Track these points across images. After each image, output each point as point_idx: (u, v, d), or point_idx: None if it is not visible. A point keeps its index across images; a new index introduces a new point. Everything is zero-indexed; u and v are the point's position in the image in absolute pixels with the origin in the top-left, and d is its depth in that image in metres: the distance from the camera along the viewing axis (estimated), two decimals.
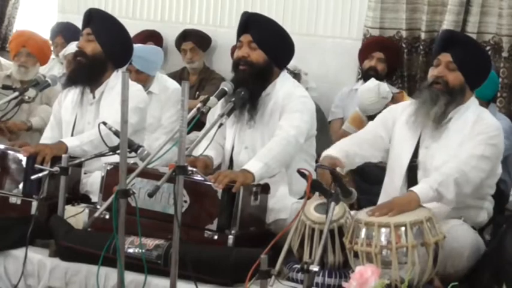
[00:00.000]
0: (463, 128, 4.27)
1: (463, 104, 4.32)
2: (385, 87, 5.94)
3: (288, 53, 4.73)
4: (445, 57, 4.30)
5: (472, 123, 4.26)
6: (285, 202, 4.47)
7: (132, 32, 7.32)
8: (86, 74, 4.98)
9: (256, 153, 4.46)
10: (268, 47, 4.59)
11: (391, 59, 6.49)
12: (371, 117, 5.10)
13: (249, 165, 4.32)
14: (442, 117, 4.27)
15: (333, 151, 4.31)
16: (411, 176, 4.31)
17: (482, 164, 4.16)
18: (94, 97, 5.03)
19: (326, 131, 6.26)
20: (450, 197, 4.04)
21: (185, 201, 4.10)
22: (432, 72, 4.34)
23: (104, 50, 4.97)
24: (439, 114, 4.26)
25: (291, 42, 4.71)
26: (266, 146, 4.48)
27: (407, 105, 4.50)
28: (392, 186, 4.38)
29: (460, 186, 4.06)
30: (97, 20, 5.03)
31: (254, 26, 4.61)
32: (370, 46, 6.54)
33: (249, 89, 4.53)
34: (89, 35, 4.98)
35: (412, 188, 4.03)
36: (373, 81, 6.03)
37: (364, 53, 6.55)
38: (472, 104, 4.36)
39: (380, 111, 4.79)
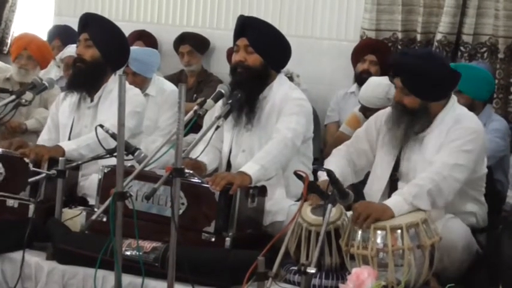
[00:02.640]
0: (440, 136, 4.23)
1: (438, 114, 4.26)
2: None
3: (284, 55, 4.74)
4: (398, 81, 4.25)
5: (448, 129, 4.22)
6: (282, 204, 4.48)
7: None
8: (87, 80, 4.98)
9: (254, 156, 4.48)
10: (265, 50, 4.60)
11: (384, 60, 6.45)
12: (368, 117, 5.08)
13: (246, 168, 4.33)
14: (408, 138, 4.24)
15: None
16: (392, 189, 4.27)
17: (455, 173, 4.10)
18: (92, 101, 5.03)
19: (319, 132, 6.26)
20: (426, 209, 4.00)
21: (182, 204, 4.11)
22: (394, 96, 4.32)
23: (102, 55, 4.97)
24: (404, 136, 4.24)
25: (287, 45, 4.72)
26: (263, 149, 4.49)
27: (389, 112, 4.49)
28: (371, 198, 4.34)
29: (434, 197, 4.03)
30: (93, 24, 5.02)
31: (250, 29, 4.63)
32: (361, 49, 6.52)
33: (246, 91, 4.54)
34: (86, 40, 4.97)
35: (385, 202, 4.00)
36: (387, 79, 6.00)
37: (357, 56, 6.53)
38: (450, 109, 4.29)
39: (377, 110, 4.77)
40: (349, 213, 4.05)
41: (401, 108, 4.26)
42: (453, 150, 4.14)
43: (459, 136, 4.17)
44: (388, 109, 4.46)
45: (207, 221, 4.15)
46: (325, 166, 4.33)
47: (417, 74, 4.22)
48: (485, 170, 4.38)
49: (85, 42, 4.98)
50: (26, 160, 4.57)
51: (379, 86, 5.77)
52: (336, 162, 4.39)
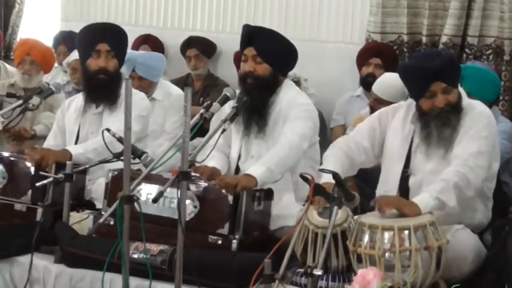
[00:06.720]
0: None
1: None
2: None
3: (291, 61, 4.79)
4: (439, 86, 4.22)
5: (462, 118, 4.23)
6: (290, 209, 4.50)
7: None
8: (110, 91, 5.01)
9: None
10: (273, 59, 4.63)
11: (389, 64, 6.41)
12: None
13: (251, 170, 4.36)
14: (454, 133, 4.22)
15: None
16: (403, 186, 4.28)
17: (479, 161, 4.11)
18: (98, 107, 5.05)
19: (326, 136, 6.26)
20: (452, 204, 4.00)
21: (195, 207, 4.14)
22: (433, 104, 4.23)
23: (120, 64, 5.04)
24: (452, 133, 4.21)
25: (294, 51, 4.75)
26: (269, 152, 4.52)
27: (397, 108, 4.47)
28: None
29: (461, 189, 4.02)
30: (113, 35, 5.04)
31: (257, 39, 4.65)
32: (366, 52, 6.51)
33: (256, 99, 4.58)
34: (109, 52, 5.00)
35: (413, 199, 3.99)
36: None
37: (361, 59, 6.51)
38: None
39: (389, 103, 4.77)
40: (356, 216, 4.06)
41: (450, 109, 4.22)
42: (473, 138, 4.14)
43: (475, 123, 4.19)
44: (396, 106, 4.49)
45: (220, 223, 4.18)
46: (323, 160, 4.35)
47: (454, 70, 4.29)
48: (497, 167, 4.35)
49: (107, 54, 4.99)
50: (28, 164, 4.59)
51: (398, 78, 5.74)
52: (334, 157, 4.37)
